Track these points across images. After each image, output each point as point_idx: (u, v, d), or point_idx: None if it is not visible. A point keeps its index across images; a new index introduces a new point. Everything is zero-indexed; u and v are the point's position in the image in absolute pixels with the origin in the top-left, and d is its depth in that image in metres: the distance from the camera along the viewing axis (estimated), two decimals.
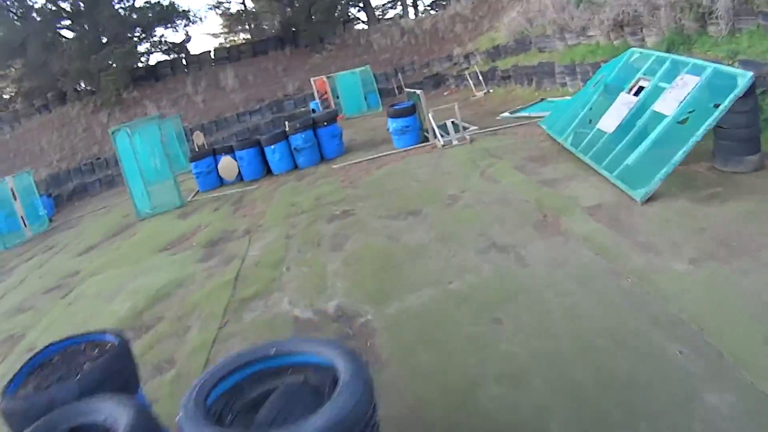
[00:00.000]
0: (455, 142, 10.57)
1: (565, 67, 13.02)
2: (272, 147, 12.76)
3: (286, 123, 13.18)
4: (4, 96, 29.97)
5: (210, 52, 28.46)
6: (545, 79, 14.09)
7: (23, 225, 16.81)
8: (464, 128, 11.68)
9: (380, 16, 35.76)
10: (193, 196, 13.40)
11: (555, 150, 8.44)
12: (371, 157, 11.59)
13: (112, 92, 24.70)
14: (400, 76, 23.41)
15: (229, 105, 24.62)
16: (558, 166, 7.66)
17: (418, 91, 12.08)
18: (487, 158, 8.97)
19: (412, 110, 11.76)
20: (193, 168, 14.02)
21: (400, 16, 34.19)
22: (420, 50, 25.43)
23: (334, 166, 11.72)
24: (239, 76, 25.66)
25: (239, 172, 13.33)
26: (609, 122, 7.22)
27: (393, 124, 11.81)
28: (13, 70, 29.47)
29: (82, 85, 25.78)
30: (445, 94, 20.33)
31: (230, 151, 13.48)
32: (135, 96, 25.64)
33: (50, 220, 19.17)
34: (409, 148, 11.54)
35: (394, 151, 11.61)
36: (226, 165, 13.41)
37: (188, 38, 31.51)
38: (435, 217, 6.90)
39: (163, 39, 29.51)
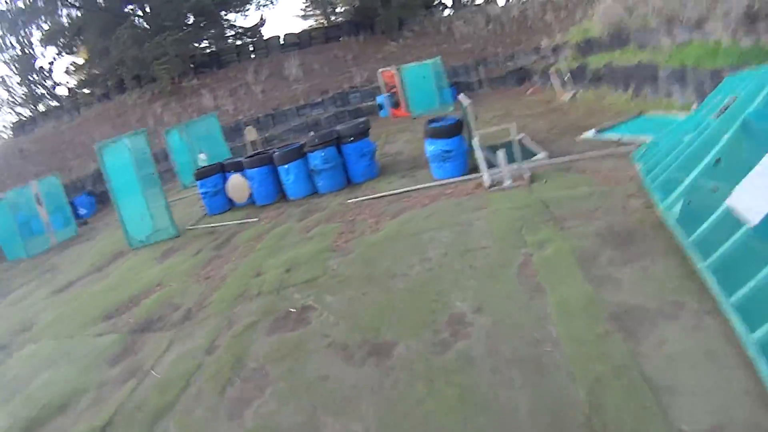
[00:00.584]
0: (507, 183, 7.65)
1: (673, 71, 10.17)
2: (286, 167, 10.83)
3: (312, 136, 11.00)
4: (70, 84, 30.92)
5: (279, 37, 27.24)
6: (645, 85, 10.84)
7: (48, 231, 16.65)
8: (528, 155, 8.96)
9: (466, 1, 32.66)
10: (195, 223, 11.85)
11: (650, 222, 5.31)
12: (398, 191, 9.22)
13: (167, 81, 24.51)
14: (481, 69, 21.02)
15: (290, 96, 23.05)
16: (650, 270, 4.49)
17: (466, 102, 9.36)
18: (541, 226, 6.00)
19: (456, 129, 9.11)
20: (198, 187, 12.29)
21: (487, 2, 31.02)
22: (505, 40, 22.72)
23: (351, 200, 9.53)
24: (305, 65, 24.07)
25: (251, 193, 11.58)
26: (751, 200, 3.80)
27: (430, 147, 9.18)
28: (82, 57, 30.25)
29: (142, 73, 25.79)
30: (528, 92, 17.60)
31: (240, 168, 11.68)
32: (194, 84, 24.89)
33: (86, 223, 18.92)
34: (449, 181, 8.94)
35: (429, 184, 9.09)
36: (236, 185, 11.66)
37: (262, 22, 30.55)
38: (403, 375, 4.09)
39: (234, 23, 29.20)
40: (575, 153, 8.60)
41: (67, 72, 30.92)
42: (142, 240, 11.29)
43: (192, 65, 25.53)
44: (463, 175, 9.12)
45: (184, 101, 24.20)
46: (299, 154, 10.93)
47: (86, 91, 28.43)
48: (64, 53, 29.98)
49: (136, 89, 25.68)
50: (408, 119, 18.29)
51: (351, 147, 10.81)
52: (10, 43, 28.99)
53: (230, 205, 12.20)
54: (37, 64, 30.48)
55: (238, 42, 27.75)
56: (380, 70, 19.93)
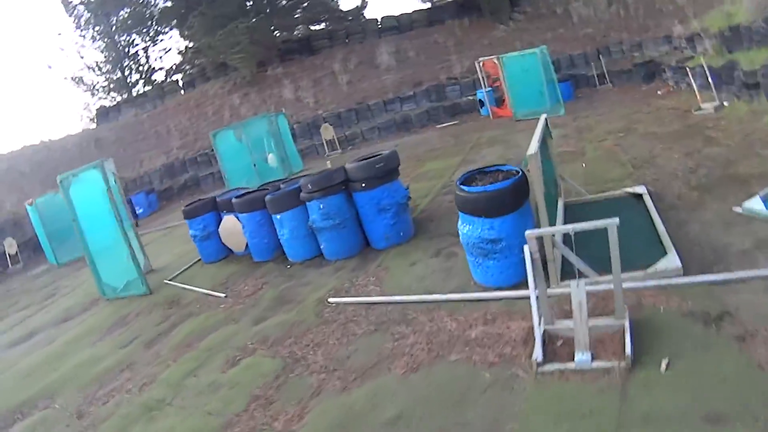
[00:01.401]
0: (580, 360, 3.72)
1: None
2: (278, 217, 8.33)
3: (307, 178, 8.07)
4: (163, 71, 31.68)
5: (377, 20, 25.89)
6: None
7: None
8: (645, 237, 5.51)
9: None
10: (178, 275, 9.92)
11: None
12: (399, 298, 5.86)
13: (247, 71, 24.18)
14: (602, 60, 18.49)
15: (379, 88, 21.37)
16: None
17: (531, 152, 4.77)
18: None
19: (512, 197, 5.22)
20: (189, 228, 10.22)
21: None
22: (630, 25, 19.59)
23: (332, 300, 6.38)
24: (399, 52, 22.14)
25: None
26: None
27: (464, 228, 5.47)
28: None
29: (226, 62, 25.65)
30: (658, 92, 14.35)
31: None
32: (278, 73, 24.00)
33: (137, 224, 18.75)
34: (492, 295, 5.23)
35: (457, 296, 5.46)
36: (229, 229, 9.45)
37: (364, 4, 29.43)
38: None
39: (334, 4, 28.49)
40: (733, 266, 4.56)
41: (160, 59, 31.46)
42: (117, 290, 9.75)
43: (279, 51, 25.02)
44: (518, 283, 5.18)
45: (264, 92, 23.37)
46: (296, 200, 8.18)
47: (172, 78, 28.94)
48: (157, 40, 30.89)
49: (220, 78, 25.61)
50: (509, 121, 16.36)
51: (364, 197, 7.70)
52: (101, 27, 30.12)
53: (227, 252, 10.03)
54: (132, 50, 31.54)
55: (335, 26, 26.95)
56: (480, 59, 18.11)
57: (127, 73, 31.54)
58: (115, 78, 31.59)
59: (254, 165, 17.29)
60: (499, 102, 17.88)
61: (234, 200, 9.16)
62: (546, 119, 6.77)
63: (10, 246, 17.09)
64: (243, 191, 9.89)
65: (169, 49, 31.20)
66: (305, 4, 26.68)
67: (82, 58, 38.08)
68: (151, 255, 11.19)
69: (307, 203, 7.96)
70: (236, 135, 17.18)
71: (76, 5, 29.40)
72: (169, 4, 27.54)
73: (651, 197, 6.52)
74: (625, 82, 17.13)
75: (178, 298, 8.73)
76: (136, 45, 31.28)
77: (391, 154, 7.72)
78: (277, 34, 26.80)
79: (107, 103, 30.89)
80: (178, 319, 7.74)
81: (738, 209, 5.60)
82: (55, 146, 26.21)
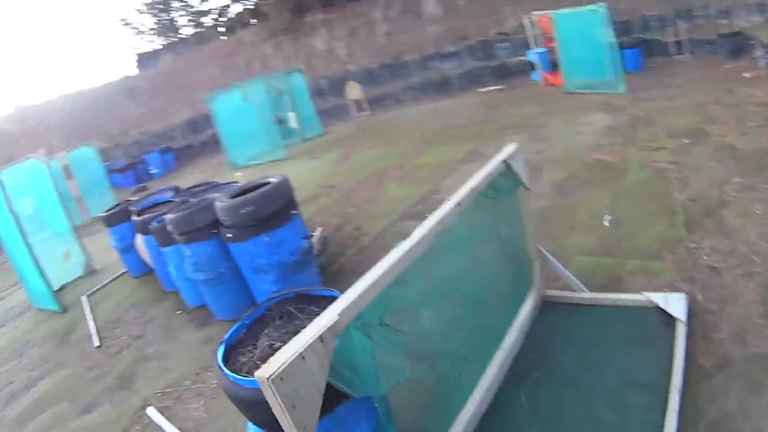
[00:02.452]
0: None
1: None
2: (163, 249, 6.61)
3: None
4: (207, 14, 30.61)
5: None
6: None
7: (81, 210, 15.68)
8: None
9: None
10: (96, 289, 9.10)
11: None
12: None
13: (281, 17, 22.70)
14: (681, 23, 15.54)
15: (418, 42, 19.34)
16: None
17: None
18: None
19: None
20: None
21: None
22: None
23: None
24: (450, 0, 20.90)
25: None
26: None
27: None
28: None
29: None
30: (745, 75, 11.90)
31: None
32: (316, 20, 22.69)
33: (144, 188, 17.74)
34: None
35: None
36: (142, 245, 7.96)
37: None
38: None
39: None
40: None
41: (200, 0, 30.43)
42: (44, 298, 8.98)
43: None
44: None
45: (297, 42, 21.91)
46: (211, 229, 6.00)
47: (208, 24, 27.85)
48: None
49: (256, 26, 24.34)
50: (558, 93, 13.96)
51: (236, 249, 5.72)
52: None
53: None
54: None
55: None
56: (534, 13, 15.64)
57: (174, 15, 30.63)
58: (164, 20, 30.75)
59: (279, 122, 16.44)
60: (553, 67, 15.39)
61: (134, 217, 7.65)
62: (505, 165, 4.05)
63: None
64: (163, 198, 8.36)
65: None
66: None
67: None
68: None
69: (168, 248, 6.42)
70: (243, 95, 15.76)
71: None
72: None
73: (689, 324, 3.92)
74: (706, 55, 14.26)
75: (74, 328, 7.90)
76: None
77: (277, 187, 5.62)
78: None
79: (155, 46, 30.18)
80: (47, 369, 6.87)
81: None
82: (88, 96, 25.70)
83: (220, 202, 5.55)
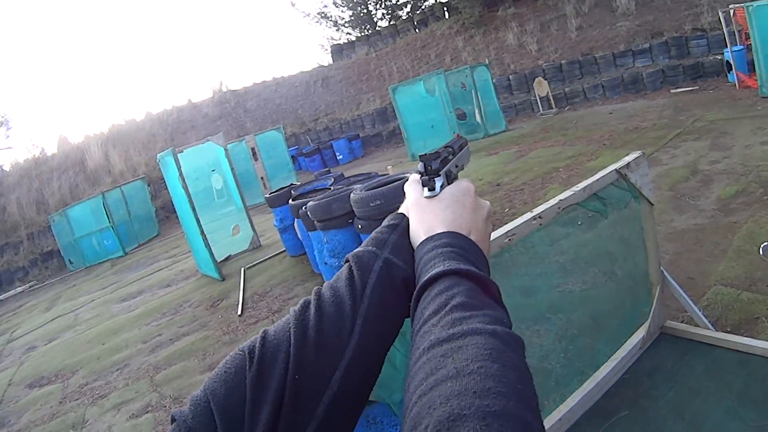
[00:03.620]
0: None
1: None
2: (310, 233, 7.47)
3: None
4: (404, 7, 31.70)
5: None
6: None
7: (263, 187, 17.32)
8: None
9: None
10: (255, 264, 10.34)
11: None
12: None
13: (473, 10, 23.13)
14: None
15: (610, 38, 19.13)
16: None
17: None
18: None
19: None
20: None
21: None
22: None
23: None
24: None
25: None
26: None
27: None
28: None
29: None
30: None
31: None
32: (508, 14, 22.63)
33: (329, 171, 18.95)
34: None
35: None
36: (298, 231, 9.02)
37: None
38: None
39: None
40: None
41: None
42: (208, 266, 10.39)
43: None
44: None
45: (488, 35, 22.35)
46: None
47: (412, 15, 28.92)
48: None
49: (451, 18, 25.06)
50: (754, 96, 12.98)
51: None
52: None
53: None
54: None
55: None
56: (731, 6, 14.94)
57: (371, 8, 32.07)
58: (361, 13, 32.31)
59: (461, 116, 17.31)
60: (750, 67, 14.73)
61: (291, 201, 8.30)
62: None
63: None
64: (323, 184, 9.08)
65: None
66: None
67: None
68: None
69: (312, 233, 7.08)
70: (427, 88, 16.58)
71: None
72: None
73: None
74: None
75: (227, 296, 9.08)
76: None
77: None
78: None
79: (351, 38, 31.90)
80: (192, 328, 8.13)
81: None
82: (284, 83, 27.70)
83: (354, 194, 5.99)
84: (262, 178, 17.42)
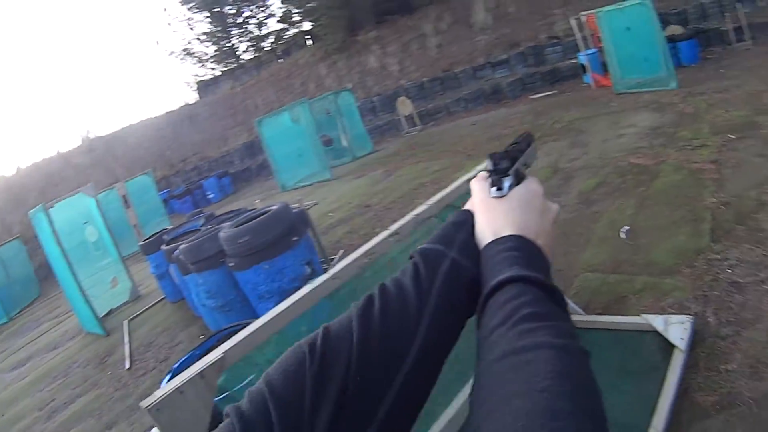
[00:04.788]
0: None
1: None
2: (187, 277, 6.92)
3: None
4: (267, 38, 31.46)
5: None
6: None
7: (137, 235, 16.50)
8: None
9: None
10: (137, 314, 9.90)
11: None
12: None
13: (335, 36, 23.09)
14: (741, 8, 14.90)
15: (470, 53, 19.35)
16: None
17: None
18: None
19: None
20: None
21: None
22: None
23: None
24: (499, 6, 19.91)
25: None
26: None
27: None
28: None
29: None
30: None
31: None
32: (369, 37, 22.97)
33: (200, 212, 18.33)
34: None
35: None
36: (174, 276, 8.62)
37: None
38: None
39: None
40: None
41: (258, 26, 31.38)
42: (91, 322, 9.80)
43: (376, 12, 23.61)
44: None
45: (351, 60, 22.32)
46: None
47: (274, 46, 28.65)
48: (263, 5, 30.81)
49: (313, 45, 24.95)
50: (609, 94, 13.69)
51: (239, 277, 6.34)
52: None
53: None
54: (240, 19, 31.77)
55: None
56: (583, 13, 15.44)
57: (235, 42, 31.79)
58: (224, 47, 31.92)
59: (328, 142, 17.15)
60: (604, 68, 15.19)
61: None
62: None
63: None
64: (194, 226, 8.76)
65: (272, 15, 30.61)
66: None
67: (192, 29, 38.88)
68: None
69: (188, 277, 6.65)
70: (292, 117, 16.17)
71: None
72: None
73: (692, 352, 3.48)
74: None
75: (114, 351, 8.64)
76: (243, 12, 31.29)
77: (275, 216, 5.86)
78: None
79: (216, 73, 31.39)
80: (84, 389, 7.67)
81: None
82: (151, 125, 26.99)
83: (223, 232, 5.80)
84: (135, 225, 16.46)
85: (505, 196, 0.91)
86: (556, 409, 0.54)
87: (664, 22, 14.76)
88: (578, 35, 15.23)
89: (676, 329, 3.55)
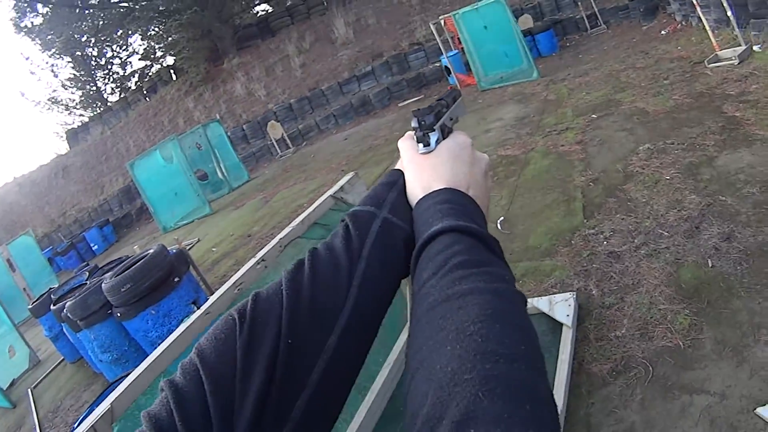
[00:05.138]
0: None
1: None
2: (79, 335, 6.68)
3: None
4: (131, 78, 30.72)
5: None
6: None
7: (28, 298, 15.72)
8: None
9: None
10: (38, 382, 9.47)
11: None
12: None
13: (199, 68, 22.80)
14: None
15: (333, 68, 19.55)
16: None
17: None
18: None
19: None
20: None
21: None
22: None
23: None
24: (360, 20, 20.29)
25: None
26: None
27: None
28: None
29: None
30: (662, 32, 11.95)
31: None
32: (234, 65, 22.52)
33: (86, 264, 17.71)
34: None
35: None
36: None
37: None
38: None
39: None
40: None
41: (129, 64, 30.56)
42: None
43: (237, 39, 23.36)
44: None
45: (217, 90, 21.97)
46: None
47: (139, 85, 27.95)
48: (124, 45, 30.08)
49: (178, 79, 24.45)
50: (475, 92, 13.75)
51: (129, 327, 6.06)
52: (65, 42, 29.36)
53: None
54: (102, 60, 30.82)
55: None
56: (442, 16, 15.80)
57: (100, 84, 30.82)
58: (90, 91, 30.89)
59: (203, 177, 16.80)
60: (467, 67, 15.62)
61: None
62: None
63: None
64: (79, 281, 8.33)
65: (135, 52, 29.89)
66: None
67: (56, 76, 37.58)
68: None
69: (80, 334, 6.43)
70: (164, 156, 15.75)
71: (35, 26, 28.73)
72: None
73: (580, 326, 3.67)
74: (622, 20, 14.63)
75: (23, 422, 8.35)
76: (105, 53, 30.37)
77: (153, 259, 5.79)
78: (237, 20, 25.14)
79: (85, 119, 30.36)
80: None
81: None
82: (26, 181, 25.85)
83: (105, 284, 5.67)
84: (24, 288, 15.57)
85: (432, 151, 0.90)
86: (487, 351, 0.54)
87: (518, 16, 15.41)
88: (439, 39, 15.55)
89: (561, 307, 3.69)
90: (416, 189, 0.88)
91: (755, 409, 2.55)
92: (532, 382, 0.52)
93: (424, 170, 0.90)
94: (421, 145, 0.92)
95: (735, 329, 3.10)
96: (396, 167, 0.97)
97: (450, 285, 0.65)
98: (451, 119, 1.01)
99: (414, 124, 0.94)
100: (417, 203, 0.86)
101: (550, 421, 0.50)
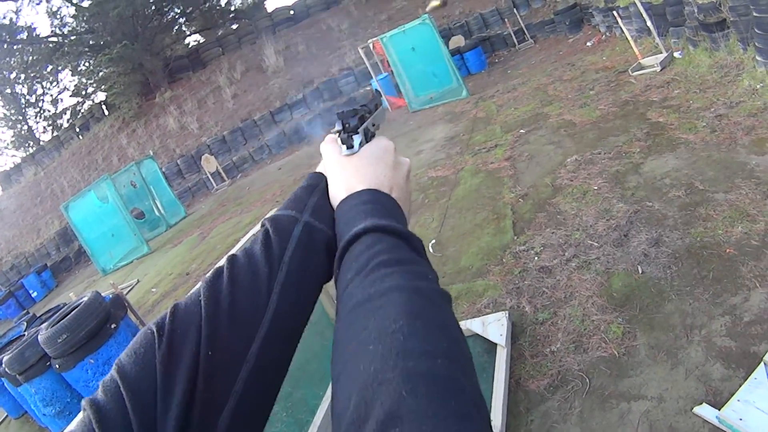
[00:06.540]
0: None
1: None
2: (19, 389, 6.33)
3: None
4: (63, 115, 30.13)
5: (270, 14, 23.76)
6: None
7: None
8: None
9: None
10: None
11: None
12: None
13: (131, 103, 22.52)
14: (518, 12, 16.15)
15: (265, 98, 19.66)
16: None
17: None
18: None
19: None
20: None
21: None
22: None
23: None
24: (290, 47, 20.51)
25: None
26: None
27: None
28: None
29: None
30: (587, 44, 12.60)
31: None
32: (166, 98, 22.32)
33: (27, 313, 17.19)
34: None
35: None
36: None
37: None
38: None
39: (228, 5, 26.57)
40: None
41: (53, 103, 29.93)
42: None
43: (167, 72, 23.20)
44: None
45: (150, 125, 21.73)
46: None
47: (71, 123, 27.44)
48: (54, 81, 29.49)
49: (111, 116, 24.09)
50: (405, 114, 14.12)
51: (71, 377, 5.90)
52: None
53: None
54: (32, 97, 30.12)
55: (226, 30, 24.92)
56: (371, 40, 16.01)
57: (32, 123, 30.14)
58: (22, 131, 30.20)
59: (140, 215, 16.55)
60: (398, 90, 15.80)
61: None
62: None
63: None
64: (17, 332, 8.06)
65: (65, 89, 29.43)
66: (189, 11, 24.54)
67: None
68: None
69: (21, 388, 6.16)
70: (98, 196, 15.46)
71: None
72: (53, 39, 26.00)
73: (514, 345, 3.72)
74: (549, 35, 15.08)
75: None
76: (35, 90, 29.71)
77: (88, 307, 5.70)
78: (168, 52, 24.95)
79: (17, 160, 29.67)
80: None
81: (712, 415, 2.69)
82: None
83: (41, 335, 5.55)
84: None
85: (356, 153, 0.90)
86: (408, 349, 0.54)
87: (448, 36, 15.69)
88: (368, 62, 15.70)
89: (494, 327, 3.70)
90: (339, 190, 0.88)
91: (693, 408, 2.72)
92: (455, 378, 0.52)
93: (347, 172, 0.90)
94: (344, 147, 0.92)
95: (668, 332, 3.26)
96: (317, 170, 0.97)
97: (372, 284, 0.65)
98: (374, 125, 1.02)
99: (338, 126, 0.95)
100: (339, 204, 0.85)
101: (477, 415, 0.50)
